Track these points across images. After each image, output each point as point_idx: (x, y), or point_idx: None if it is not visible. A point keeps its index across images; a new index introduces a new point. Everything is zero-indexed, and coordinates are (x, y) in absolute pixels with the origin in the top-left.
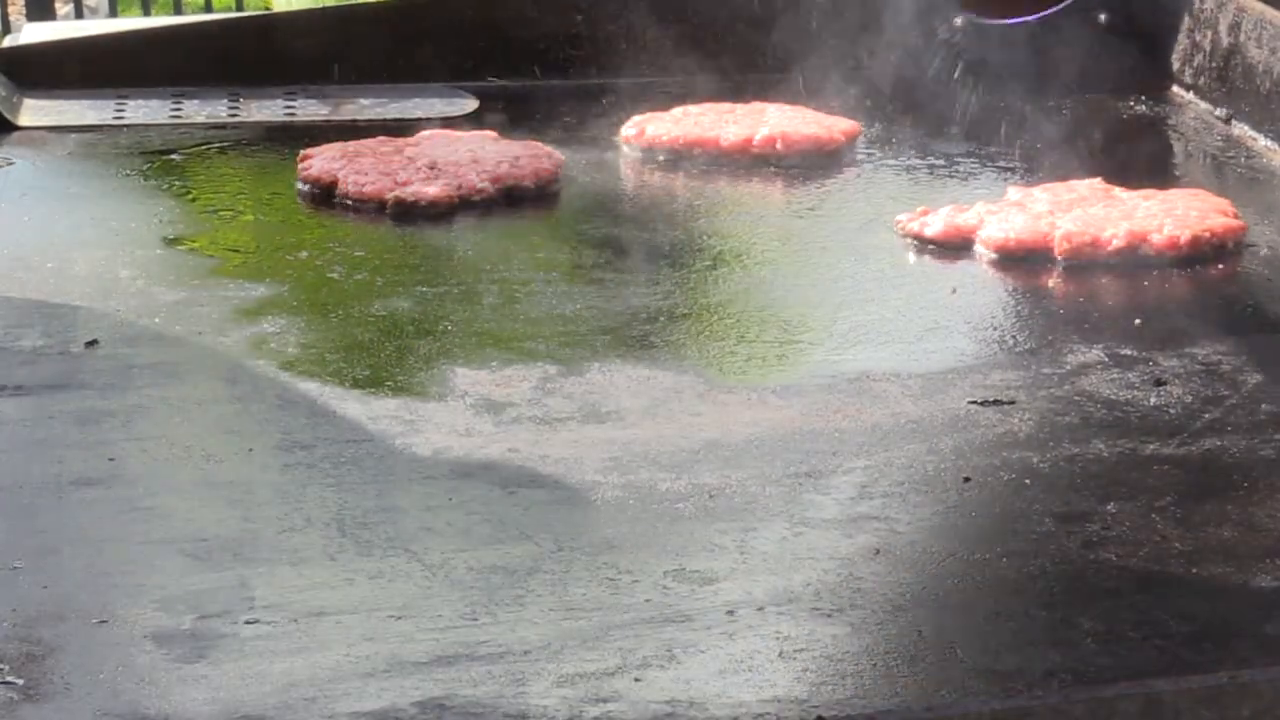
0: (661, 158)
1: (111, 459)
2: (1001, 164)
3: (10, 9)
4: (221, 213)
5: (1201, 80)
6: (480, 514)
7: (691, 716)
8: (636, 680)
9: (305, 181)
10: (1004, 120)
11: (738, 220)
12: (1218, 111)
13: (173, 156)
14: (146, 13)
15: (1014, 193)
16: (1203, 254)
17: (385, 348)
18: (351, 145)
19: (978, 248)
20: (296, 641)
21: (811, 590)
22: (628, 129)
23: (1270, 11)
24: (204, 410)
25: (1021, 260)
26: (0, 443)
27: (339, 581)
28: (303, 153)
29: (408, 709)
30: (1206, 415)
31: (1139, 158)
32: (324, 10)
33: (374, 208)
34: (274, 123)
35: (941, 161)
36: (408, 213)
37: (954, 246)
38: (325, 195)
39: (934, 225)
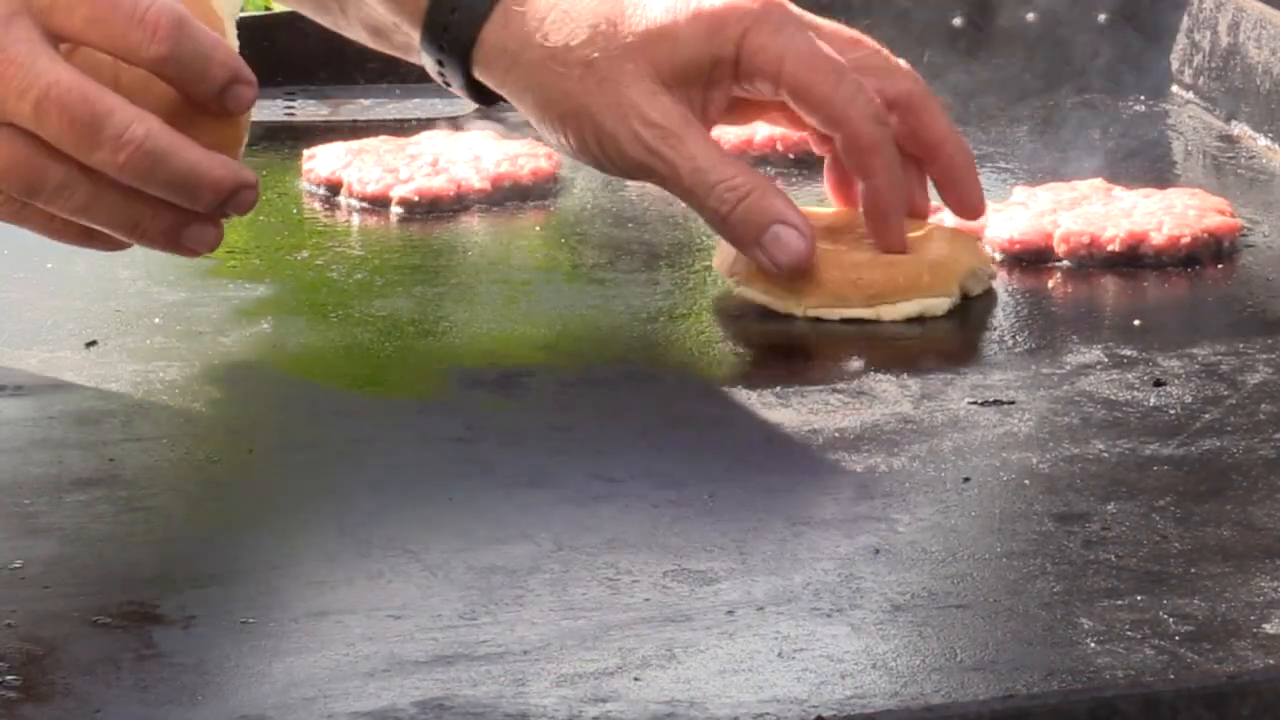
0: None
1: (111, 459)
2: (1001, 164)
3: None
4: None
5: (1201, 80)
6: (480, 514)
7: (691, 716)
8: (636, 680)
9: (310, 181)
10: (1003, 119)
11: None
12: (1217, 111)
13: None
14: None
15: (1019, 192)
16: (1202, 253)
17: (385, 348)
18: (355, 144)
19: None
20: (296, 641)
21: (811, 590)
22: None
23: (1270, 11)
24: (204, 410)
25: (1023, 260)
26: (0, 443)
27: (339, 581)
28: (307, 153)
29: (408, 709)
30: (1206, 415)
31: (1139, 157)
32: None
33: (375, 207)
34: (274, 123)
35: None
36: (409, 212)
37: None
38: (328, 194)
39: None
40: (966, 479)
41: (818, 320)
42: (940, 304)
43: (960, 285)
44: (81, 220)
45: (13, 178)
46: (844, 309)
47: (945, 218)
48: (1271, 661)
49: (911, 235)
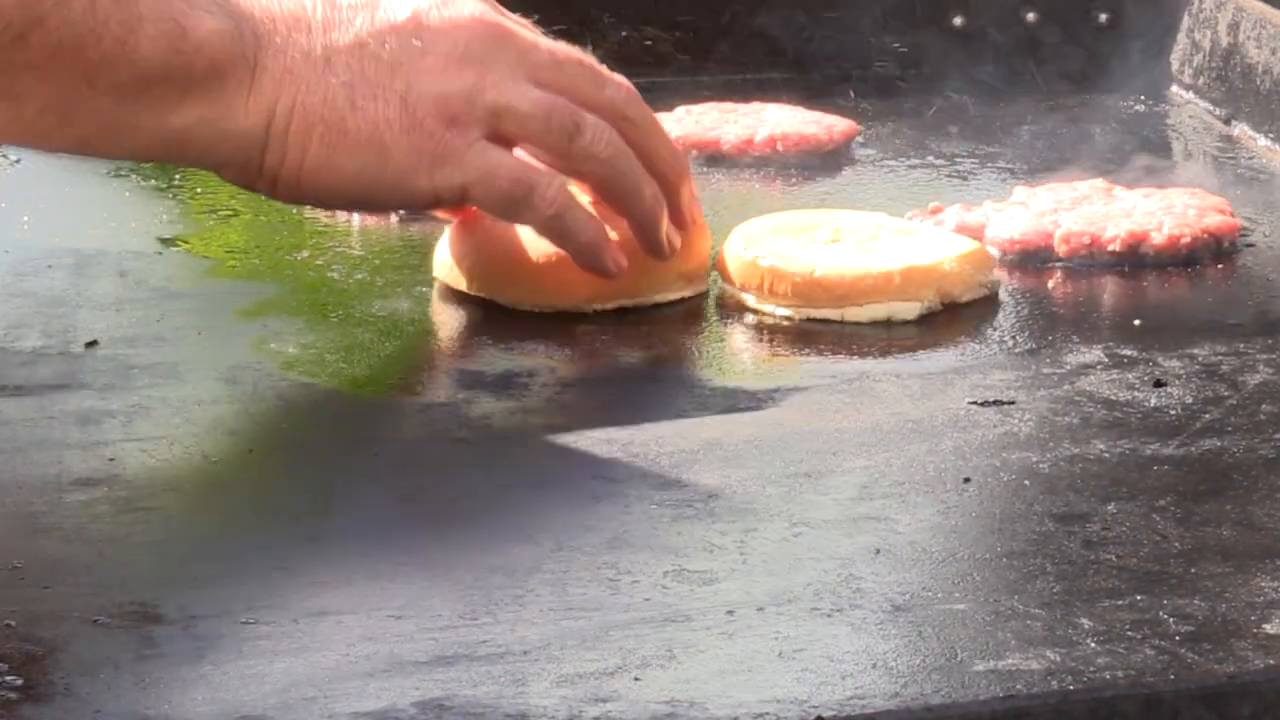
0: None
1: (111, 459)
2: (1001, 164)
3: None
4: (220, 212)
5: (1201, 80)
6: (480, 514)
7: (692, 716)
8: (636, 680)
9: None
10: (1004, 120)
11: (737, 220)
12: (1218, 111)
13: None
14: None
15: (1020, 192)
16: (1202, 253)
17: (385, 348)
18: None
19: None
20: (296, 641)
21: (811, 590)
22: None
23: (1270, 11)
24: (204, 410)
25: (1023, 260)
26: (0, 443)
27: (339, 581)
28: None
29: (408, 709)
30: (1206, 415)
31: (1139, 157)
32: None
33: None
34: None
35: (942, 161)
36: (409, 212)
37: None
38: None
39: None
40: (966, 479)
41: (809, 320)
42: (909, 309)
43: (941, 292)
44: (558, 225)
45: (513, 177)
46: (810, 309)
47: (947, 220)
48: (1271, 661)
49: (899, 238)
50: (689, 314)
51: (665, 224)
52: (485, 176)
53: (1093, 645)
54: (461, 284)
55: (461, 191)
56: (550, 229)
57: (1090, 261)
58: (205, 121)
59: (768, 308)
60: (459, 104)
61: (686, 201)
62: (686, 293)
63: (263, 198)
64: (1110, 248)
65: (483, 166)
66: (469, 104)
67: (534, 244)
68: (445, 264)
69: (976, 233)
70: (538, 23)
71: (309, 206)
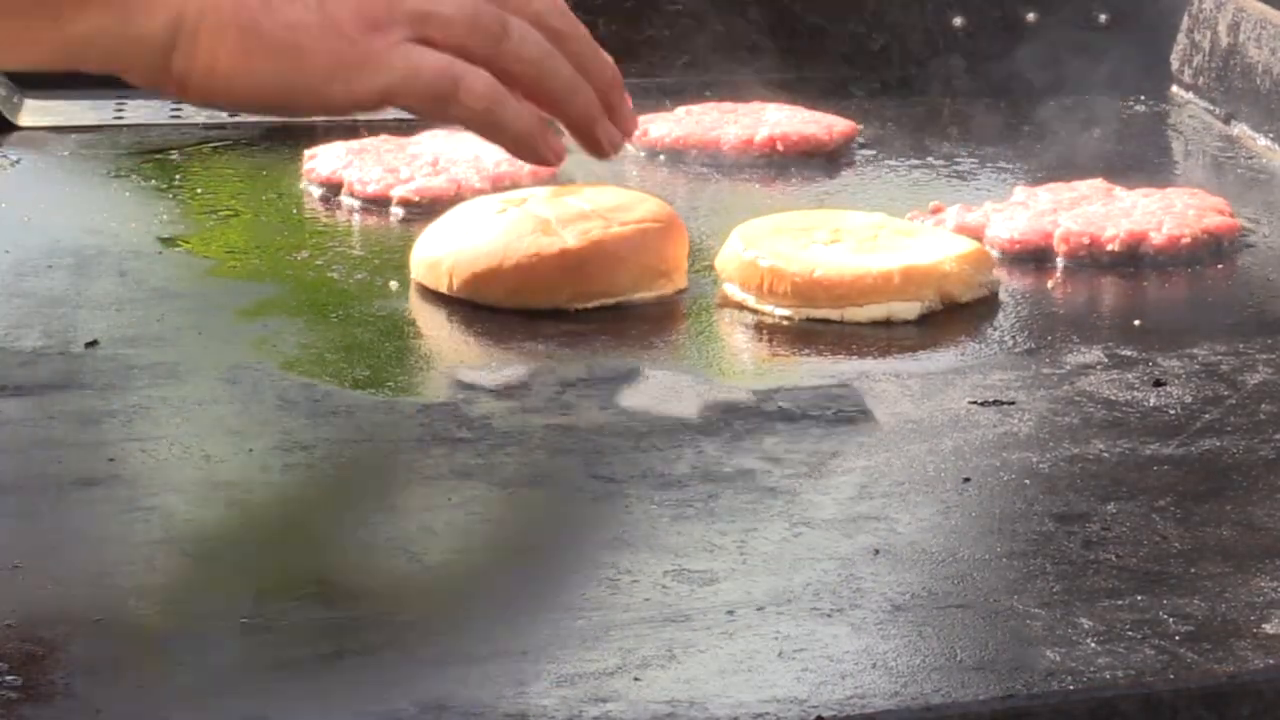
0: (662, 158)
1: (111, 459)
2: (1001, 164)
3: None
4: (221, 212)
5: (1201, 80)
6: (480, 514)
7: (691, 716)
8: (636, 680)
9: (310, 181)
10: (1004, 120)
11: (737, 220)
12: (1217, 111)
13: (172, 156)
14: None
15: (1020, 192)
16: (1202, 253)
17: (385, 348)
18: (356, 144)
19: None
20: (298, 642)
21: (811, 590)
22: None
23: (1270, 11)
24: (204, 410)
25: (1023, 260)
26: (0, 443)
27: (340, 581)
28: (308, 153)
29: (408, 709)
30: (1206, 415)
31: (1139, 157)
32: None
33: (375, 207)
34: (274, 123)
35: (942, 161)
36: (409, 212)
37: None
38: (329, 194)
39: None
40: (966, 479)
41: (809, 320)
42: (909, 309)
43: (942, 292)
44: (490, 119)
45: (438, 71)
46: (810, 309)
47: (947, 220)
48: (1271, 661)
49: (899, 238)
50: (688, 314)
51: (603, 122)
52: (409, 76)
53: (1093, 645)
54: (441, 285)
55: (383, 95)
56: (482, 124)
57: (1090, 261)
58: (106, 30)
59: (768, 308)
60: (380, 9)
61: (623, 105)
62: (666, 290)
63: (263, 198)
64: (1110, 248)
65: (405, 66)
66: (390, 9)
67: (514, 245)
68: (423, 264)
69: (976, 233)
70: None
71: (220, 110)
